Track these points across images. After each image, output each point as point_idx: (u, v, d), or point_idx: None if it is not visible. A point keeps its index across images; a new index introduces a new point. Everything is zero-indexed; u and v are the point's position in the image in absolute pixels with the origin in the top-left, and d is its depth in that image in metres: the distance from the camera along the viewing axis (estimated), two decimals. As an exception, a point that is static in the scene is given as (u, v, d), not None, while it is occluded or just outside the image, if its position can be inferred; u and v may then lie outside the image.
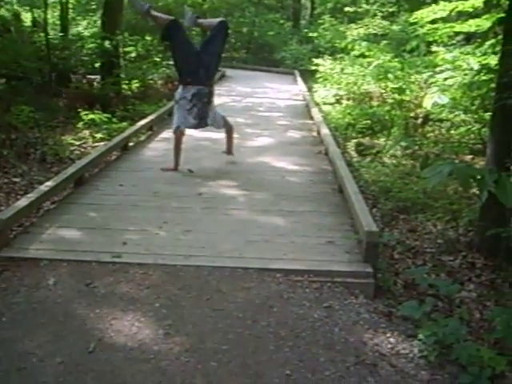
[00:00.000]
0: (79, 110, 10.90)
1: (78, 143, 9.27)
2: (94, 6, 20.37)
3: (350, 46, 11.06)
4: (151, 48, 15.50)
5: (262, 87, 16.48)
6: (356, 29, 16.19)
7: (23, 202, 4.74)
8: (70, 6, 19.74)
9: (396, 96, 8.99)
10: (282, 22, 28.94)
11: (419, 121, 11.57)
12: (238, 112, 10.56)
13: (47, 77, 14.21)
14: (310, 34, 19.87)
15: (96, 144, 9.17)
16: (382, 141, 9.66)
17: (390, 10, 17.16)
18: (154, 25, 8.10)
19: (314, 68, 16.26)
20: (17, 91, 13.08)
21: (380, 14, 17.04)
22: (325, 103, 14.20)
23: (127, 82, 14.67)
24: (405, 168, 8.06)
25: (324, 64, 15.56)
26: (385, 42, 14.64)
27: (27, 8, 17.16)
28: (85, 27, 21.69)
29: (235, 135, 7.41)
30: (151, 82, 16.22)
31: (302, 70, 21.69)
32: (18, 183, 6.97)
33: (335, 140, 8.00)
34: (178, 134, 6.64)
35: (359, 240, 4.34)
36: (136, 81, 14.90)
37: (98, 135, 9.53)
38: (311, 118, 10.57)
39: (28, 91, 13.64)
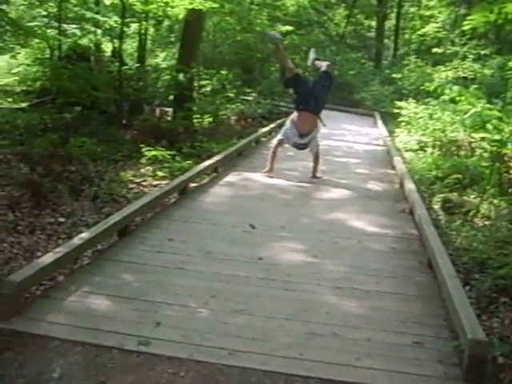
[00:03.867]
0: (144, 144, 10.34)
1: (137, 180, 8.60)
2: (172, 39, 20.25)
3: (439, 90, 9.98)
4: (226, 82, 14.89)
5: (339, 129, 15.56)
6: (444, 71, 15.09)
7: (48, 258, 3.98)
8: (150, 37, 19.67)
9: (494, 149, 7.85)
10: (363, 61, 28.09)
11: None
12: (311, 156, 9.61)
13: (114, 108, 13.90)
14: (394, 75, 18.84)
15: (156, 182, 8.49)
16: (472, 197, 8.49)
17: (482, 52, 15.93)
18: (275, 56, 10.39)
19: (396, 111, 15.22)
20: (85, 121, 12.78)
21: (471, 56, 15.86)
22: (407, 149, 13.11)
23: (199, 116, 14.13)
24: (502, 234, 6.88)
25: (407, 107, 14.52)
26: (474, 86, 13.51)
27: (109, 38, 17.05)
28: (163, 59, 21.61)
29: (306, 184, 6.61)
30: (224, 117, 15.64)
31: (383, 112, 20.67)
32: (63, 224, 6.30)
33: (421, 197, 6.94)
34: (278, 145, 8.50)
35: (458, 347, 3.30)
36: (208, 116, 14.34)
37: (160, 173, 8.86)
38: (393, 167, 9.53)
39: (97, 121, 13.37)
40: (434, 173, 8.67)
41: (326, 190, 7.61)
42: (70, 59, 14.61)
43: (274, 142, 8.68)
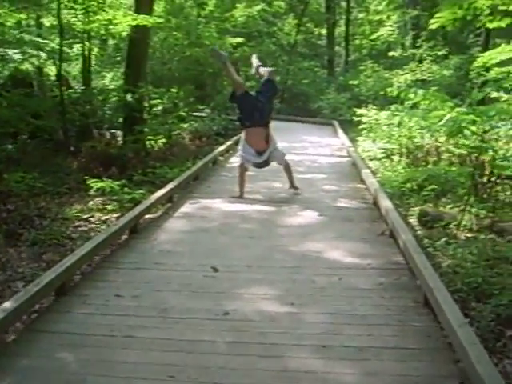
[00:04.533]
0: (91, 173, 9.49)
1: (85, 216, 7.72)
2: (119, 58, 19.33)
3: (402, 94, 9.38)
4: (177, 100, 14.08)
5: (299, 141, 14.88)
6: (402, 74, 14.59)
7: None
8: (95, 57, 18.73)
9: (474, 155, 7.26)
10: (316, 69, 27.67)
11: (486, 179, 9.81)
12: (274, 174, 8.87)
13: (61, 134, 12.98)
14: (350, 82, 18.31)
15: (106, 217, 7.63)
16: (448, 208, 7.88)
17: (439, 53, 15.50)
18: (225, 74, 9.87)
19: (356, 118, 14.66)
20: (29, 151, 11.83)
21: (428, 57, 15.41)
22: (371, 158, 12.53)
23: (151, 138, 13.30)
24: (489, 248, 6.25)
25: (368, 114, 13.97)
26: (433, 88, 13.03)
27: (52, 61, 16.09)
28: (110, 79, 20.64)
29: (271, 208, 5.97)
30: (179, 136, 14.82)
31: (341, 120, 20.16)
32: (-6, 280, 5.41)
33: (401, 216, 6.27)
34: (242, 169, 8.03)
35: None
36: (161, 137, 13.50)
37: (109, 206, 8.00)
38: (362, 180, 8.87)
39: (43, 149, 12.41)
40: (408, 185, 8.01)
41: (294, 214, 6.86)
42: (7, 86, 13.67)
43: (236, 166, 8.27)
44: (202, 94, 20.79)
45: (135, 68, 13.71)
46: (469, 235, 6.84)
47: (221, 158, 12.02)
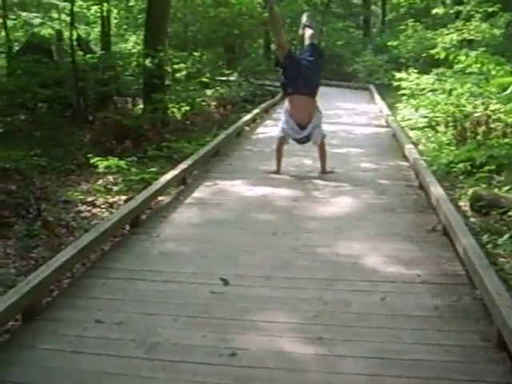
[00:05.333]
0: (99, 150, 8.63)
1: (90, 199, 6.84)
2: (140, 20, 18.23)
3: (451, 57, 8.16)
4: (200, 65, 13.00)
5: (333, 108, 13.70)
6: (447, 34, 13.20)
7: None
8: (115, 20, 17.73)
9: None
10: (351, 30, 26.15)
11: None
12: (305, 149, 7.82)
13: (78, 102, 12.12)
14: (389, 43, 16.90)
15: (113, 200, 6.75)
16: (504, 191, 6.74)
17: (490, 9, 13.98)
18: (271, 25, 8.19)
19: (396, 83, 13.40)
20: (43, 121, 11.02)
21: (477, 15, 13.92)
22: (412, 128, 11.34)
23: (173, 106, 12.32)
24: None
25: (408, 78, 12.71)
26: (481, 49, 11.70)
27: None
28: (134, 43, 19.60)
29: (298, 193, 5.19)
30: (204, 103, 13.77)
31: (378, 84, 18.84)
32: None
33: (456, 207, 5.19)
34: (281, 142, 7.16)
35: None
36: (183, 105, 12.50)
37: (117, 187, 7.10)
38: (404, 156, 7.76)
39: (60, 118, 11.60)
40: (460, 165, 6.85)
41: (325, 201, 5.82)
42: (20, 53, 12.86)
43: (276, 136, 7.32)
44: (230, 58, 19.64)
45: (155, 30, 12.68)
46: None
47: (246, 128, 10.98)
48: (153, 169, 7.72)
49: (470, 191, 6.70)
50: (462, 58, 8.03)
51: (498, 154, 5.56)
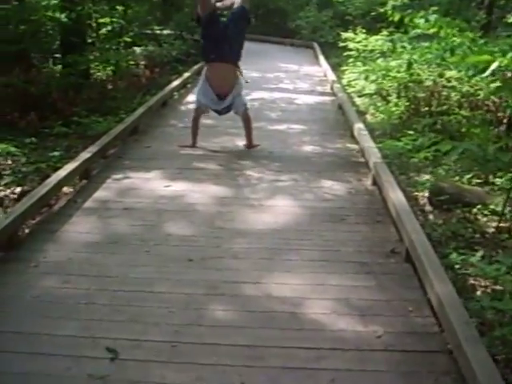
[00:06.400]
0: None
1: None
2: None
3: (407, 20, 7.05)
4: (123, 22, 11.47)
5: (273, 69, 12.50)
6: (398, -9, 12.02)
7: None
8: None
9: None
10: (295, -18, 24.64)
11: (503, 127, 7.74)
12: (235, 123, 6.70)
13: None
14: (336, -1, 15.66)
15: (4, 193, 5.46)
16: (466, 182, 5.81)
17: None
18: None
19: (342, 44, 12.27)
20: None
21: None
22: (359, 95, 10.31)
23: (97, 66, 10.87)
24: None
25: (355, 39, 11.59)
26: (433, 8, 10.65)
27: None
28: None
29: (226, 192, 4.01)
30: (132, 64, 12.29)
31: (322, 42, 17.67)
32: None
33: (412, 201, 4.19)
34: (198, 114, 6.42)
35: None
36: (104, 66, 11.06)
37: (8, 178, 5.80)
38: (353, 136, 6.71)
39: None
40: (421, 155, 5.80)
41: (258, 205, 4.68)
42: None
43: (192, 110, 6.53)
44: (166, 10, 17.95)
45: (72, -22, 11.08)
46: (502, 224, 4.83)
47: (175, 94, 9.69)
48: (55, 153, 6.42)
49: (428, 181, 5.74)
50: (420, 21, 6.93)
51: (468, 148, 4.53)
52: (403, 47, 7.64)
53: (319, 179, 5.32)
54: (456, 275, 3.85)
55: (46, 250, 3.85)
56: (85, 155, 5.34)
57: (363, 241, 4.03)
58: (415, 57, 6.73)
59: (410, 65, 6.58)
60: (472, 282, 3.85)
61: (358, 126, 6.50)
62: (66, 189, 5.07)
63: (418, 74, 8.50)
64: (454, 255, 4.14)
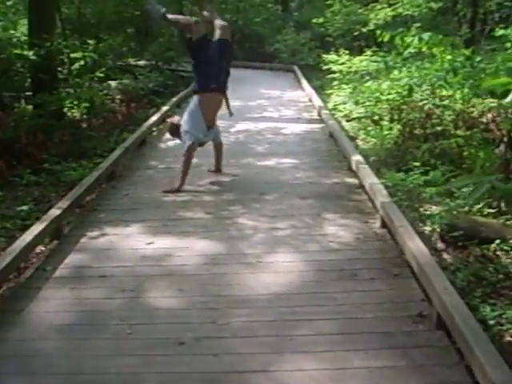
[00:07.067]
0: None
1: None
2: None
3: (399, 40, 6.55)
4: (95, 56, 10.90)
5: (256, 97, 12.00)
6: (380, 9, 11.64)
7: None
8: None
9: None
10: (270, 5, 24.32)
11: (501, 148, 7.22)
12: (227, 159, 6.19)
13: None
14: (314, 20, 15.24)
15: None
16: (477, 209, 5.27)
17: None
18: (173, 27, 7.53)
19: (325, 67, 11.82)
20: None
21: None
22: (348, 119, 9.82)
23: (71, 105, 10.28)
24: None
25: (339, 60, 11.18)
26: (416, 25, 10.27)
27: None
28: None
29: (218, 247, 3.71)
30: (109, 98, 11.72)
31: (302, 64, 17.25)
32: None
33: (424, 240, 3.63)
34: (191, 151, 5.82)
35: None
36: (79, 104, 10.48)
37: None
38: (350, 168, 6.16)
39: None
40: (433, 190, 5.22)
41: (256, 262, 4.04)
42: None
43: (185, 147, 5.82)
44: (141, 41, 17.41)
45: (41, 13, 10.57)
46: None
47: (154, 130, 9.10)
48: (23, 207, 5.78)
49: (438, 215, 5.18)
50: (414, 41, 6.45)
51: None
52: (395, 68, 7.16)
53: (321, 224, 4.73)
54: (492, 335, 3.28)
55: (5, 339, 3.21)
56: (54, 212, 4.70)
57: (383, 303, 3.43)
58: (415, 80, 6.20)
59: (410, 90, 6.04)
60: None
61: (356, 159, 5.94)
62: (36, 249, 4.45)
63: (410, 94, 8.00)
64: (486, 309, 3.59)
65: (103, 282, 3.85)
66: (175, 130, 6.02)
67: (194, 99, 5.92)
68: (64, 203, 4.95)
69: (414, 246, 3.67)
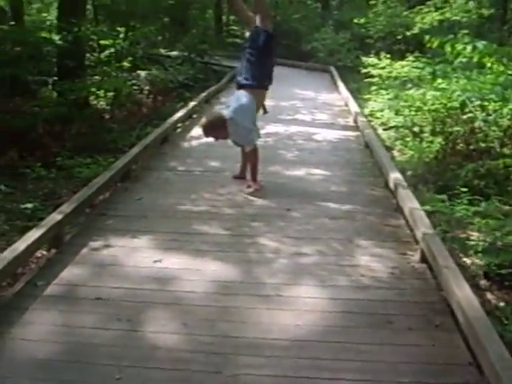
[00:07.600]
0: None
1: None
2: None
3: (449, 48, 5.92)
4: (124, 45, 10.47)
5: (289, 97, 11.46)
6: (427, 13, 10.97)
7: None
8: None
9: None
10: (309, 2, 23.72)
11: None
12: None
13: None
14: (356, 20, 14.59)
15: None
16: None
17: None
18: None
19: (364, 70, 11.20)
20: None
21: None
22: (385, 128, 9.23)
23: (96, 93, 9.88)
24: None
25: (379, 64, 10.54)
26: (463, 31, 9.59)
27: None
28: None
29: (236, 276, 3.40)
30: (135, 88, 11.29)
31: (340, 65, 16.62)
32: None
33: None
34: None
35: None
36: (103, 94, 10.06)
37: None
38: (387, 185, 5.58)
39: None
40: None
41: (275, 296, 3.50)
42: None
43: (248, 148, 5.48)
44: (176, 31, 16.95)
45: (70, -2, 10.25)
46: None
47: (179, 126, 8.61)
48: (28, 204, 5.34)
49: (481, 244, 4.59)
50: (466, 50, 5.81)
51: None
52: (443, 77, 6.52)
53: (352, 252, 4.17)
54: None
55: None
56: (55, 217, 4.22)
57: (422, 363, 2.87)
58: (468, 93, 5.56)
59: (463, 105, 5.42)
60: None
61: (395, 176, 5.35)
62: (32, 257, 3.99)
63: (456, 107, 7.36)
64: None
65: (98, 307, 3.35)
66: (219, 127, 5.28)
67: (244, 94, 5.35)
68: (68, 207, 4.47)
69: (463, 296, 3.08)
